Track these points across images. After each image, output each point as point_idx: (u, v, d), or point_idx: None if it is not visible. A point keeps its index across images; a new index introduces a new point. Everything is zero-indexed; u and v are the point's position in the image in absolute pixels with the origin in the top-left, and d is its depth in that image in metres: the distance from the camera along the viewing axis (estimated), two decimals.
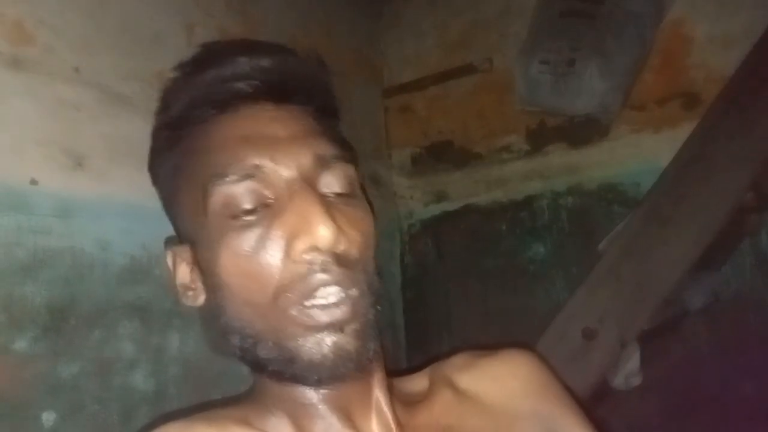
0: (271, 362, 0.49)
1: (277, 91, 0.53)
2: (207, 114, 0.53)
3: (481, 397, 0.59)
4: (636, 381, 1.16)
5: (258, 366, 0.51)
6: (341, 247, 0.48)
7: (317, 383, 0.49)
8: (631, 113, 1.44)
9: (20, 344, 0.83)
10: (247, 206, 0.49)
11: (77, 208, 0.92)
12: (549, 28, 1.42)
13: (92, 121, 0.97)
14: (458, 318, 1.61)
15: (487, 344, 0.64)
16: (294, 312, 0.47)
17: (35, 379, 0.84)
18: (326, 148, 0.52)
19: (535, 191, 1.55)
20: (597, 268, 1.22)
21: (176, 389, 1.00)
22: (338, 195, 0.51)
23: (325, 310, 0.47)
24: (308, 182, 0.49)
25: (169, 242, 0.58)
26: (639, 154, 1.42)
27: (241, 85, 0.52)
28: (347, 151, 0.54)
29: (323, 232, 0.46)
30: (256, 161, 0.49)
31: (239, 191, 0.49)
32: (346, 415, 0.52)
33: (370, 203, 0.55)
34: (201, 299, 0.54)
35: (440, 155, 1.71)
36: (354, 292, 0.48)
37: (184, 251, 0.54)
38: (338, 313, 0.47)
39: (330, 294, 0.47)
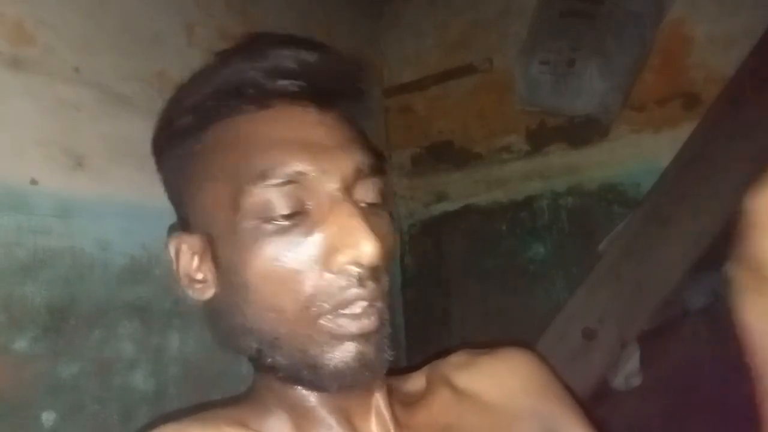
0: (287, 367, 0.49)
1: (323, 94, 0.52)
2: (243, 106, 0.50)
3: (480, 396, 0.58)
4: (636, 381, 1.16)
5: (268, 368, 0.50)
6: (379, 263, 0.48)
7: (336, 389, 0.49)
8: (631, 113, 1.44)
9: (20, 344, 0.83)
10: (285, 211, 0.48)
11: (77, 208, 0.92)
12: (549, 28, 1.42)
13: (92, 121, 0.97)
14: (458, 318, 1.61)
15: (486, 342, 0.64)
16: (323, 321, 0.48)
17: (35, 379, 0.84)
18: (366, 159, 0.51)
19: (535, 191, 1.55)
20: (597, 268, 1.22)
21: (176, 389, 1.00)
22: (370, 205, 0.51)
23: (355, 320, 0.48)
24: (348, 192, 0.49)
25: (173, 229, 0.56)
26: (639, 154, 1.42)
27: (284, 83, 0.50)
28: (382, 162, 0.54)
29: (367, 249, 0.46)
30: (300, 168, 0.48)
31: (279, 195, 0.48)
32: (346, 416, 0.52)
33: (390, 213, 0.55)
34: (209, 293, 0.52)
35: (440, 155, 1.71)
36: (380, 304, 0.49)
37: (194, 241, 0.52)
38: (367, 324, 0.48)
39: (360, 306, 0.48)
